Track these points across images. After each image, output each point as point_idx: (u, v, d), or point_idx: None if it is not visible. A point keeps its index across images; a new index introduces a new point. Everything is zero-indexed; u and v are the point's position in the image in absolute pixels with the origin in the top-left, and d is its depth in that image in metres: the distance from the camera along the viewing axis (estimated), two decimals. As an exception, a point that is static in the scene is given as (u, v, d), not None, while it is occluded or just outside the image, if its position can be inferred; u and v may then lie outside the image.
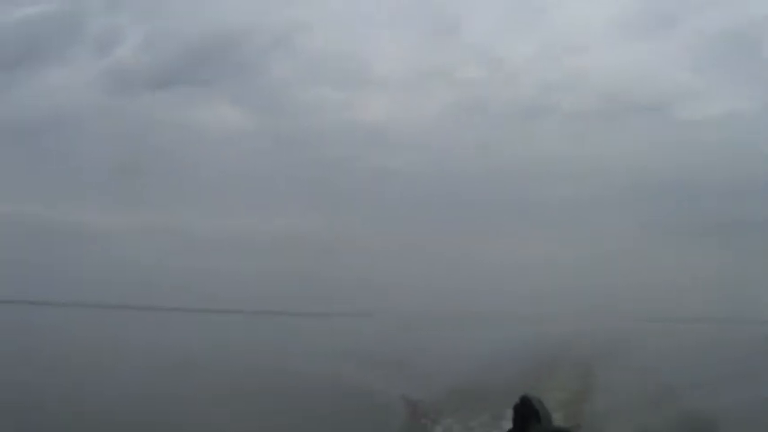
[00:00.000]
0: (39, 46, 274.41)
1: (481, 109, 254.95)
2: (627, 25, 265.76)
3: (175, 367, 34.49)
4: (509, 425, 13.22)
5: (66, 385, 25.99)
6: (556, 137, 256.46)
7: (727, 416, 17.04)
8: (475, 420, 17.14)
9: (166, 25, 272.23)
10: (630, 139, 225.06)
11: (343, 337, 72.10)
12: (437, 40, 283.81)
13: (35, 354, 39.39)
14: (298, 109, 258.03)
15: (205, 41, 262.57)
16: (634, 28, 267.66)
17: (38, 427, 17.72)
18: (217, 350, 50.91)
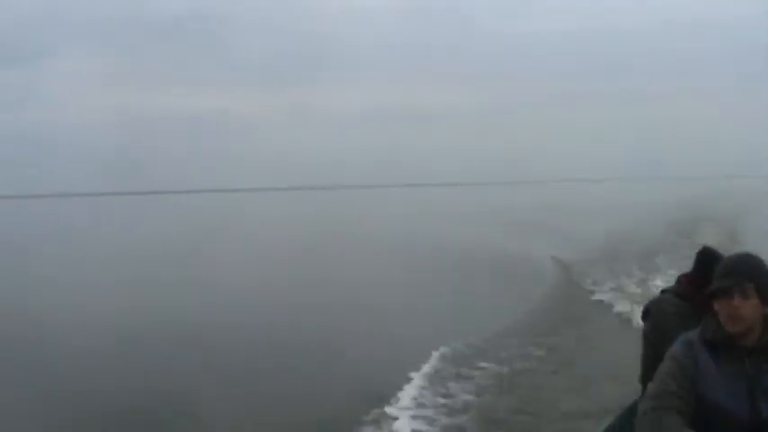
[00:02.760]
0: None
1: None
2: None
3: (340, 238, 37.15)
4: (659, 279, 14.53)
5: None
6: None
7: None
8: (625, 274, 18.27)
9: None
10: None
11: (490, 205, 73.50)
12: None
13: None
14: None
15: None
16: None
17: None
18: (374, 220, 53.74)
